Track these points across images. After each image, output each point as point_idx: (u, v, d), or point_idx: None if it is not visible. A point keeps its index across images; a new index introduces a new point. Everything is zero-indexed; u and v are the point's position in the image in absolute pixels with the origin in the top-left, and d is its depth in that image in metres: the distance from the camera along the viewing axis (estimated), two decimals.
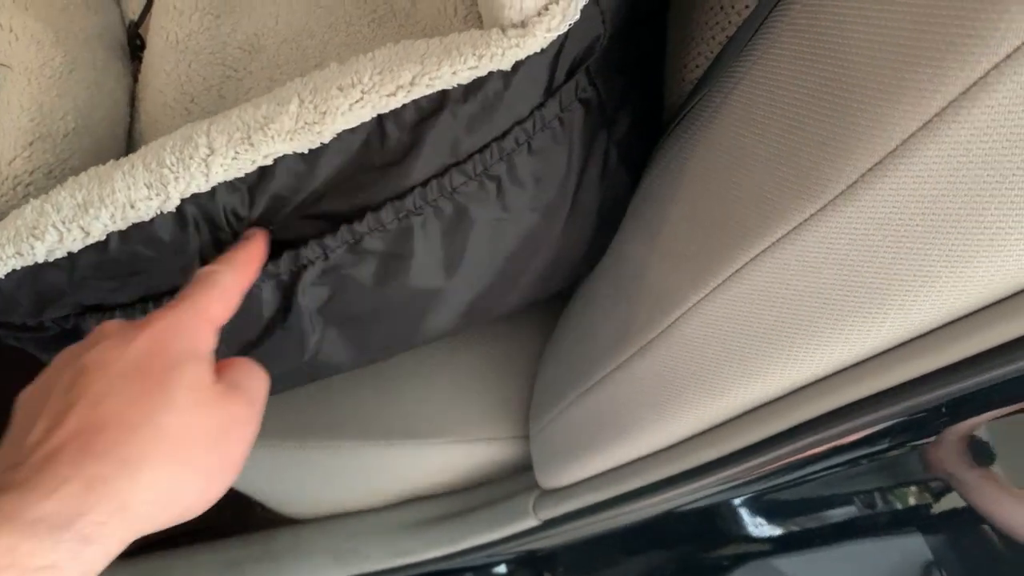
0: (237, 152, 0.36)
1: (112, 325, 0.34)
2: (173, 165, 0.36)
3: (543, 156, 0.40)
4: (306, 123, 0.36)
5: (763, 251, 0.34)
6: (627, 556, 0.67)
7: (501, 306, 0.51)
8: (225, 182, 0.37)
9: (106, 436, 0.29)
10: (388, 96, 0.35)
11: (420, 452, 0.64)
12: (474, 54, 0.35)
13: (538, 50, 0.35)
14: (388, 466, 0.67)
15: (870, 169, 0.28)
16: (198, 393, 0.32)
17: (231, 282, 0.37)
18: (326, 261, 0.41)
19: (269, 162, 0.37)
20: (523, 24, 0.35)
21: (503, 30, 0.35)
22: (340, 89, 0.36)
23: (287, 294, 0.43)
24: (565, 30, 0.35)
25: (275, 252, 0.41)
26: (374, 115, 0.36)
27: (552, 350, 0.60)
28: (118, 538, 0.29)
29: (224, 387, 0.34)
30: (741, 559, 0.62)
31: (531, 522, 0.62)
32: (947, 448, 0.41)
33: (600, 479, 0.55)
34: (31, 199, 0.40)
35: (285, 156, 0.37)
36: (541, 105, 0.38)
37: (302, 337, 0.46)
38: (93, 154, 0.54)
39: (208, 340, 0.35)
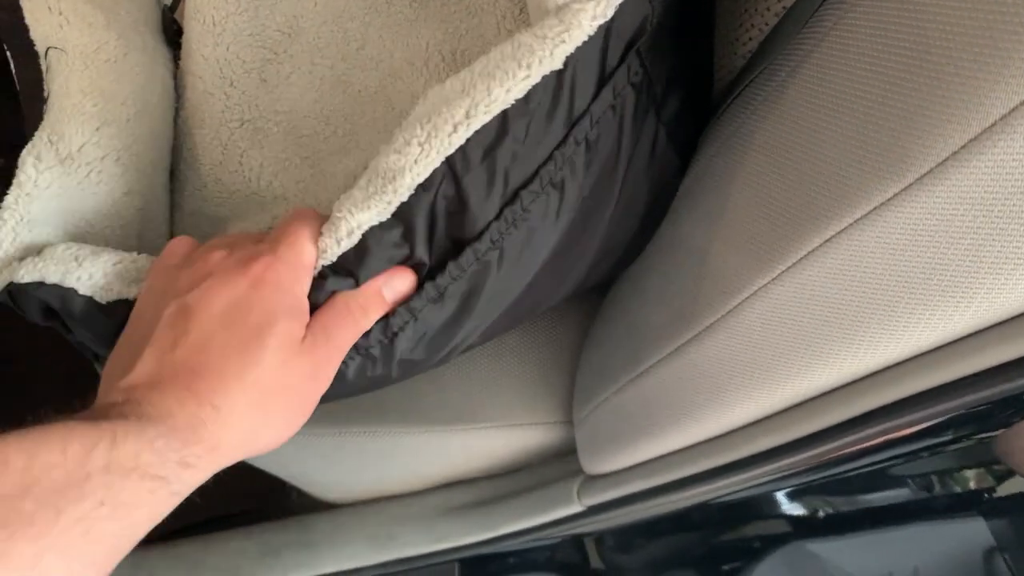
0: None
1: (216, 256, 0.37)
2: None
3: (597, 147, 0.38)
4: (375, 191, 0.36)
5: (839, 232, 0.32)
6: (670, 536, 0.66)
7: (547, 300, 0.50)
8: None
9: (206, 383, 0.33)
10: (449, 136, 0.34)
11: (460, 437, 0.64)
12: (522, 64, 0.34)
13: (585, 39, 0.34)
14: (427, 451, 0.66)
15: (964, 146, 0.27)
16: (288, 351, 0.35)
17: (314, 230, 0.38)
18: (416, 321, 0.40)
19: (356, 238, 0.37)
20: (565, 15, 0.33)
21: (542, 34, 0.34)
22: (397, 152, 0.35)
23: (384, 363, 0.42)
24: (611, 15, 0.34)
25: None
26: (441, 160, 0.35)
27: (598, 335, 0.59)
28: (208, 470, 0.33)
29: (311, 340, 0.36)
30: (778, 540, 0.61)
31: (575, 508, 0.61)
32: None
33: (649, 466, 0.54)
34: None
35: (372, 228, 0.37)
36: (595, 97, 0.36)
37: (383, 380, 0.45)
38: (150, 141, 0.53)
39: (305, 288, 0.37)
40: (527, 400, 0.63)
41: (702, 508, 0.60)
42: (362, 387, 0.45)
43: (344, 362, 0.40)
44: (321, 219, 0.38)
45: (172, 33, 0.63)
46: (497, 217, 0.37)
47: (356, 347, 0.40)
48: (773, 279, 0.37)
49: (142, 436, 0.30)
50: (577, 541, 0.72)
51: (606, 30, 0.35)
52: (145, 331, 0.36)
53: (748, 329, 0.39)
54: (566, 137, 0.36)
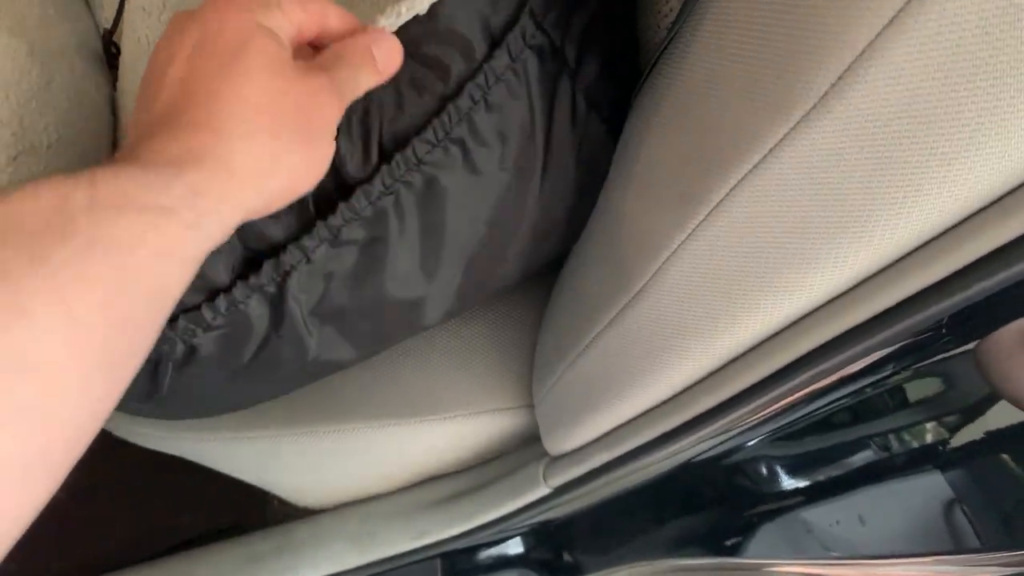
0: None
1: (180, 15, 0.34)
2: None
3: (503, 111, 0.39)
4: None
5: (741, 180, 0.33)
6: (643, 524, 0.66)
7: (495, 280, 0.50)
8: None
9: (199, 110, 0.30)
10: None
11: (426, 430, 0.64)
12: (385, 12, 0.34)
13: None
14: (396, 447, 0.66)
15: (840, 77, 0.27)
16: (274, 65, 0.32)
17: (318, 4, 0.35)
18: (309, 263, 0.41)
19: None
20: None
21: None
22: None
23: (276, 303, 0.42)
24: None
25: (253, 264, 0.41)
26: None
27: (549, 313, 0.59)
28: (230, 199, 0.30)
29: (304, 65, 0.34)
30: (765, 517, 0.61)
31: (543, 490, 0.61)
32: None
33: (606, 439, 0.54)
34: None
35: None
36: (488, 57, 0.37)
37: (300, 341, 0.45)
38: (78, 163, 0.53)
39: (277, 21, 0.33)
40: (489, 386, 0.63)
41: (671, 491, 0.60)
42: (300, 367, 0.45)
43: (243, 302, 0.40)
44: None
45: (111, 56, 0.63)
46: (387, 161, 0.38)
47: (248, 283, 0.40)
48: (688, 236, 0.37)
49: (127, 173, 0.27)
50: (553, 542, 0.72)
51: None
52: (138, 99, 0.34)
53: (674, 288, 0.40)
54: (458, 92, 0.37)
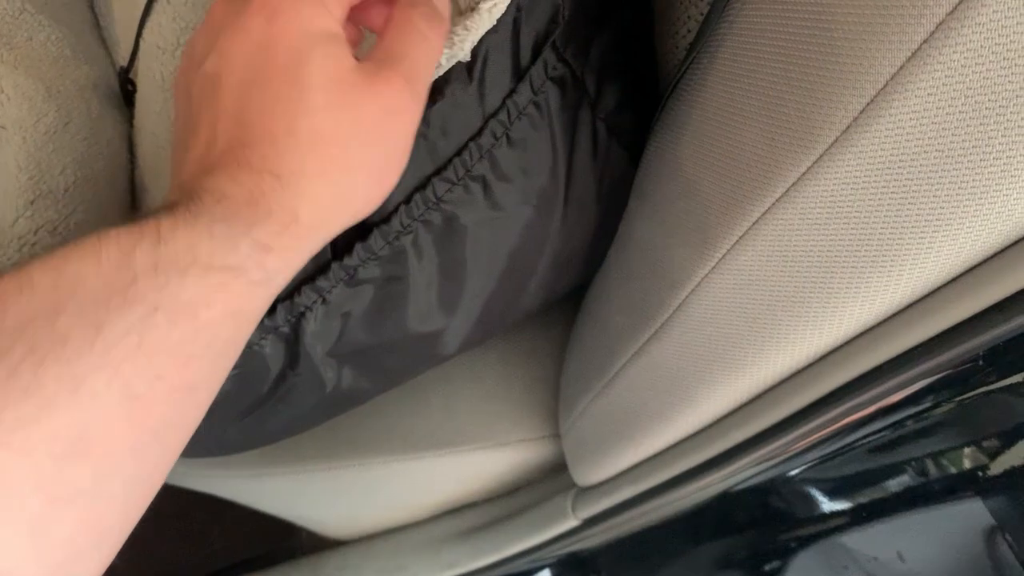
0: None
1: (219, 9, 0.30)
2: None
3: (525, 146, 0.38)
4: None
5: (764, 214, 0.32)
6: (674, 550, 0.65)
7: (516, 310, 0.49)
8: None
9: (256, 150, 0.27)
10: None
11: (451, 461, 0.63)
12: None
13: (489, 29, 0.33)
14: (423, 479, 0.65)
15: (862, 111, 0.26)
16: (338, 86, 0.28)
17: None
18: (325, 304, 0.40)
19: None
20: (471, 8, 0.33)
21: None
22: None
23: (292, 343, 0.41)
24: (508, 2, 0.34)
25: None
26: None
27: (573, 343, 0.58)
28: (298, 248, 0.28)
29: (371, 67, 0.29)
30: (803, 542, 0.59)
31: (571, 522, 0.60)
32: None
33: (636, 471, 0.53)
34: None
35: None
36: (512, 92, 0.36)
37: (318, 378, 0.45)
38: (96, 206, 0.53)
39: (336, 12, 0.29)
40: (514, 416, 0.63)
41: (703, 519, 0.59)
42: (317, 403, 0.45)
43: (259, 343, 0.39)
44: None
45: (127, 93, 0.63)
46: (407, 201, 0.37)
47: (263, 325, 0.39)
48: (712, 268, 0.36)
49: (195, 226, 0.25)
50: (583, 571, 0.71)
51: (514, 22, 0.35)
52: (185, 123, 0.30)
53: (699, 322, 0.39)
54: (481, 129, 0.36)
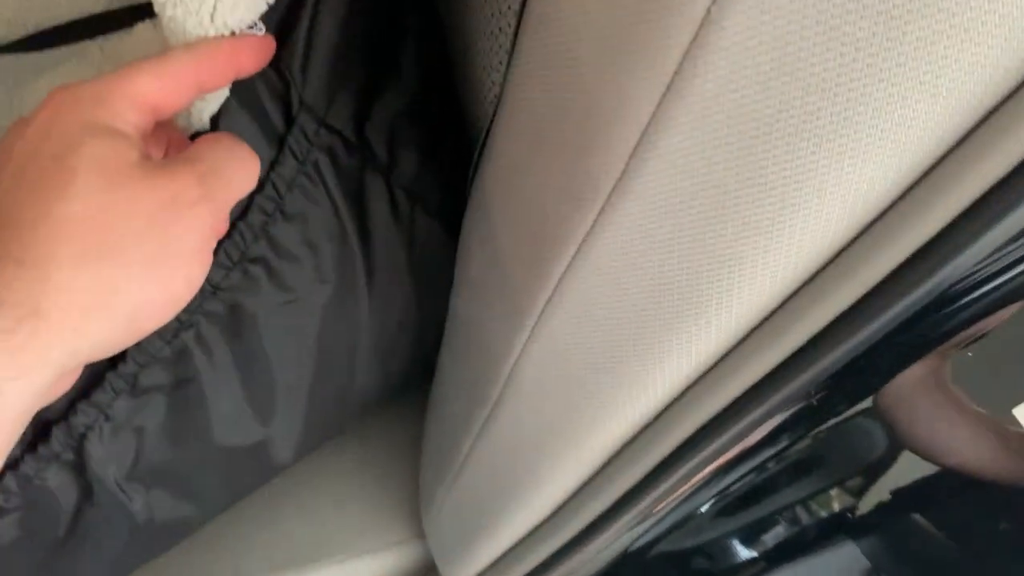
0: None
1: (20, 120, 0.28)
2: None
3: (305, 219, 0.35)
4: None
5: (563, 274, 0.29)
6: None
7: (346, 405, 0.45)
8: None
9: (14, 236, 0.24)
10: None
11: None
12: None
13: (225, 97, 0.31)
14: None
15: (631, 153, 0.24)
16: (114, 172, 0.25)
17: (181, 60, 0.28)
18: (109, 421, 0.35)
19: None
20: None
21: None
22: None
23: (80, 471, 0.36)
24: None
25: (43, 433, 0.35)
26: None
27: (425, 437, 0.55)
28: (45, 345, 0.24)
29: (161, 164, 0.27)
30: None
31: None
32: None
33: (502, 562, 0.49)
34: None
35: None
36: (274, 163, 0.33)
37: (122, 508, 0.39)
38: None
39: (127, 116, 0.27)
40: (374, 521, 0.58)
41: None
42: (131, 539, 0.39)
43: (39, 477, 0.34)
44: (184, 57, 0.29)
45: None
46: None
47: (38, 455, 0.34)
48: (528, 338, 0.33)
49: None
50: None
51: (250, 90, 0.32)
52: None
53: (528, 394, 0.36)
54: (247, 209, 0.33)
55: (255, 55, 0.31)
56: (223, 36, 0.30)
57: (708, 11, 0.20)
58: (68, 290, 0.24)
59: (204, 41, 0.29)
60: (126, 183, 0.26)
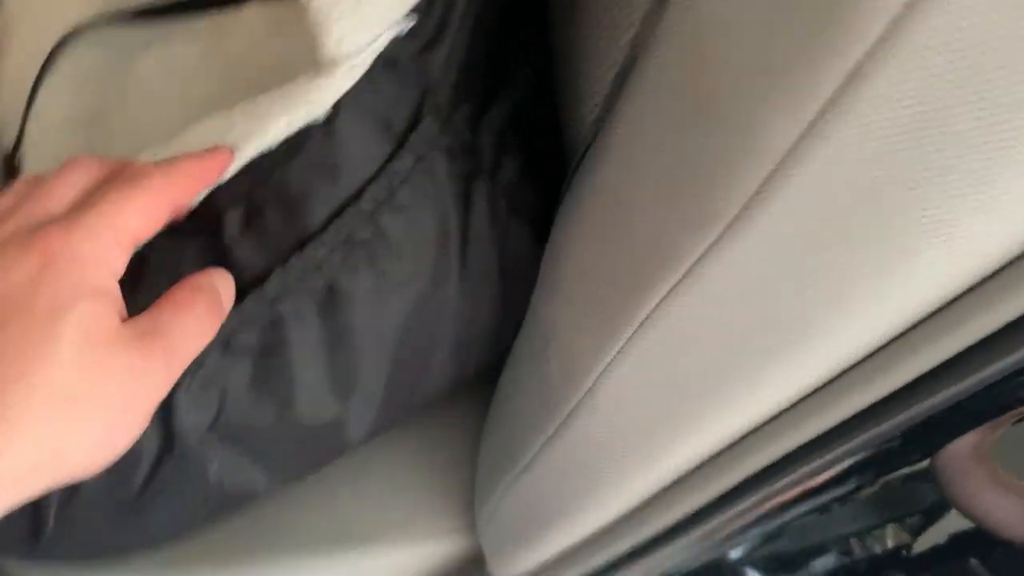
0: None
1: (7, 198, 0.29)
2: None
3: (412, 213, 0.36)
4: None
5: (665, 296, 0.30)
6: None
7: (421, 392, 0.46)
8: None
9: None
10: None
11: (362, 559, 0.58)
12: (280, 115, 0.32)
13: (346, 89, 0.32)
14: None
15: (759, 188, 0.25)
16: (93, 343, 0.27)
17: (160, 189, 0.30)
18: (200, 370, 0.37)
19: None
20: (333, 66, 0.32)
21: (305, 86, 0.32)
22: None
23: (165, 418, 0.38)
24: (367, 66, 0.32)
25: None
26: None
27: (487, 430, 0.55)
28: None
29: (133, 332, 0.28)
30: None
31: None
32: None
33: (557, 561, 0.50)
34: None
35: None
36: (391, 156, 0.34)
37: (199, 462, 0.41)
38: None
39: (116, 264, 0.29)
40: (428, 508, 0.59)
41: None
42: (203, 497, 0.41)
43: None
44: (160, 180, 0.31)
45: (12, 176, 0.60)
46: (282, 264, 0.35)
47: None
48: (616, 354, 0.34)
49: None
50: None
51: (379, 82, 0.33)
52: None
53: (607, 410, 0.36)
54: (360, 193, 0.34)
55: (219, 168, 0.33)
56: (192, 153, 0.32)
57: (860, 64, 0.21)
58: (24, 450, 0.26)
59: (175, 162, 0.32)
60: (101, 354, 0.27)
